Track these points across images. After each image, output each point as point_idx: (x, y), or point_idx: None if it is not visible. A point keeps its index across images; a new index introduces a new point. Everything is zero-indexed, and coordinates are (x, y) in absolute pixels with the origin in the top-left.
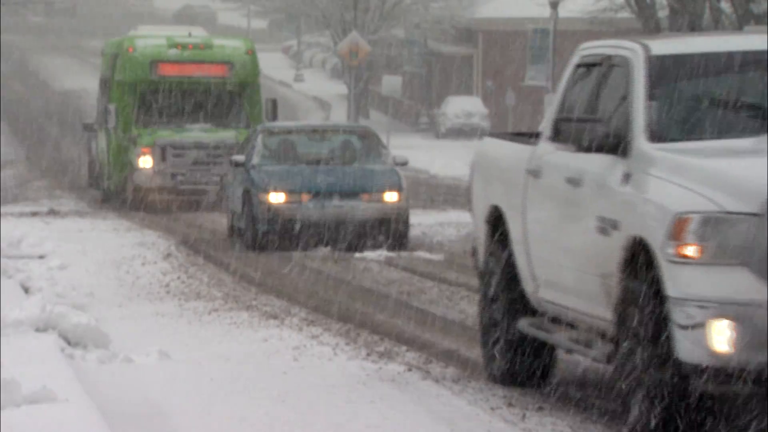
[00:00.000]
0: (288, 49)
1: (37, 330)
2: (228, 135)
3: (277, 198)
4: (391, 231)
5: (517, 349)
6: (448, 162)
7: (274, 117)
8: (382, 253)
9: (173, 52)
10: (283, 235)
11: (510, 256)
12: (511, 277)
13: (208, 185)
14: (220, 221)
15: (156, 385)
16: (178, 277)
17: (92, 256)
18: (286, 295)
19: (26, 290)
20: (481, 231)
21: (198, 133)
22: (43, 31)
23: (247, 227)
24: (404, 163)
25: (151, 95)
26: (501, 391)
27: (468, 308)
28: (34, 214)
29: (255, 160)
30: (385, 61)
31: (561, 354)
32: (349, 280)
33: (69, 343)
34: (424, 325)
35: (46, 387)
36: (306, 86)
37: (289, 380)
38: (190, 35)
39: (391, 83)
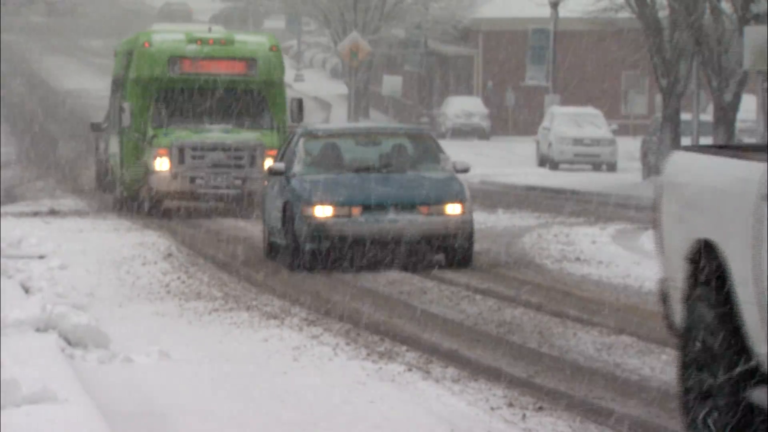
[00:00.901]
0: (288, 49)
1: (37, 330)
2: (250, 136)
3: (323, 211)
4: (454, 248)
5: (746, 428)
6: None
7: (300, 118)
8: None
9: (192, 48)
10: (331, 253)
11: (731, 305)
12: (733, 332)
13: (229, 190)
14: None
15: (156, 385)
16: (179, 277)
17: (92, 256)
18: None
19: (26, 290)
20: (679, 271)
21: (218, 133)
22: (43, 31)
23: (289, 245)
24: (466, 170)
25: (169, 93)
26: (501, 391)
27: (468, 308)
28: (34, 214)
29: (297, 168)
30: (385, 61)
31: None
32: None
33: (69, 343)
34: (425, 325)
35: (46, 387)
36: (306, 86)
37: (289, 380)
38: (210, 30)
39: (391, 83)
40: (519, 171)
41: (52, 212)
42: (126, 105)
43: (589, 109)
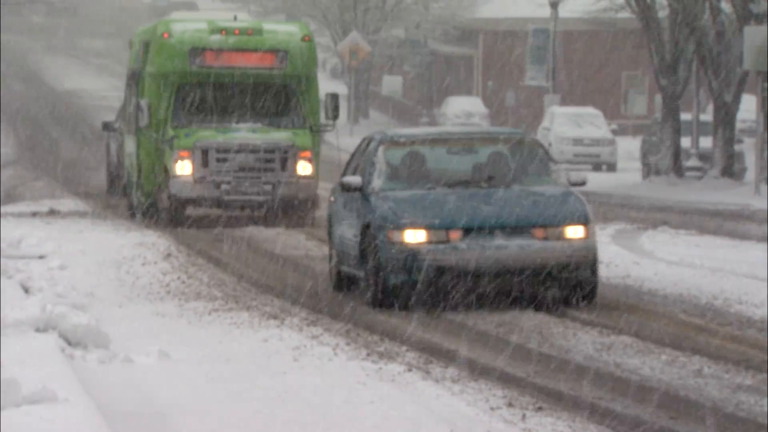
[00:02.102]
0: None
1: (37, 330)
2: (282, 136)
3: (415, 236)
4: (575, 281)
5: None
6: None
7: (336, 115)
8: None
9: (216, 39)
10: (425, 287)
11: None
12: None
13: (258, 196)
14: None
15: (156, 385)
16: (178, 277)
17: (92, 256)
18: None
19: (26, 290)
20: None
21: (246, 133)
22: (43, 31)
23: (370, 277)
24: (582, 183)
25: (190, 89)
26: (501, 391)
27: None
28: (34, 214)
29: (377, 182)
30: (385, 61)
31: None
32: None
33: (69, 343)
34: (426, 325)
35: (46, 387)
36: None
37: (289, 380)
38: (235, 19)
39: (391, 83)
40: None
41: (52, 212)
42: (143, 102)
43: (589, 109)
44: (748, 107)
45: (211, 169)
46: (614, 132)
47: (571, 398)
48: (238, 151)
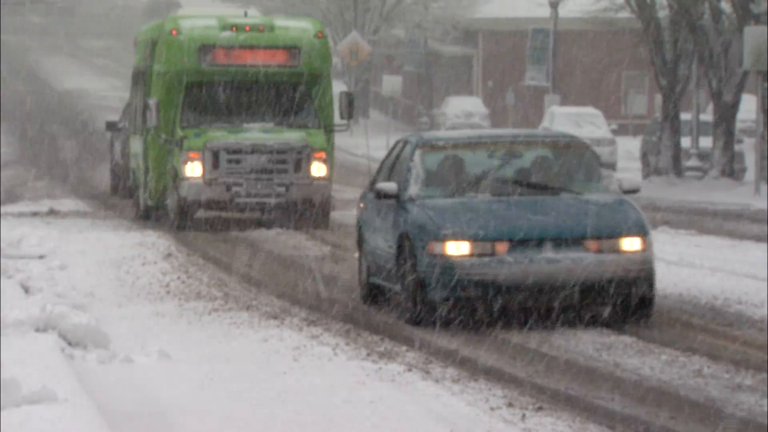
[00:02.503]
0: None
1: (37, 330)
2: (295, 136)
3: (457, 248)
4: (631, 297)
5: None
6: None
7: (350, 114)
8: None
9: (227, 35)
10: (468, 304)
11: None
12: None
13: (270, 198)
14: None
15: (156, 385)
16: (178, 277)
17: (92, 256)
18: None
19: (26, 290)
20: None
21: (258, 133)
22: (43, 31)
23: (409, 292)
24: (635, 190)
25: (200, 88)
26: (501, 391)
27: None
28: (34, 214)
29: (414, 189)
30: (385, 61)
31: None
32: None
33: (69, 343)
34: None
35: (46, 387)
36: None
37: (289, 380)
38: (246, 15)
39: (391, 83)
40: None
41: (52, 212)
42: (152, 102)
43: (589, 109)
44: (748, 107)
45: (221, 170)
46: (614, 132)
47: (571, 398)
48: (249, 152)
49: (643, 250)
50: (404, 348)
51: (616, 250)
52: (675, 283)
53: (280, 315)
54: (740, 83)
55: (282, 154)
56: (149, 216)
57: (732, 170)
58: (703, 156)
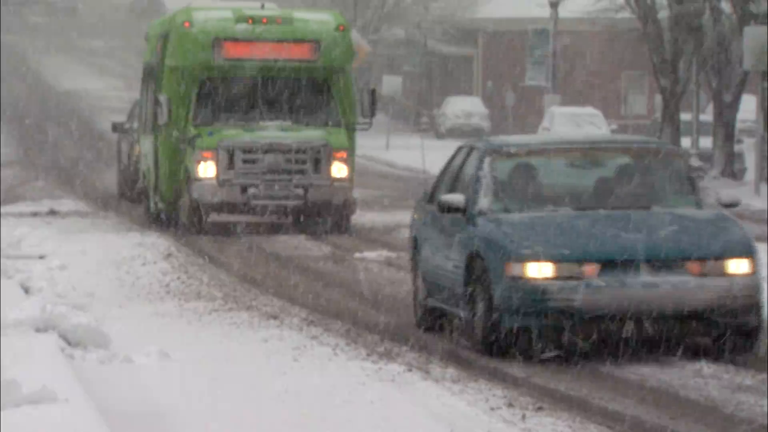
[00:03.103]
0: None
1: (37, 330)
2: (314, 135)
3: (540, 270)
4: (738, 326)
5: None
6: None
7: (373, 112)
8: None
9: (243, 28)
10: (552, 333)
11: None
12: None
13: (288, 200)
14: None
15: (156, 385)
16: (178, 278)
17: (92, 256)
18: None
19: (26, 290)
20: None
21: (275, 132)
22: (43, 31)
23: (478, 317)
24: (734, 204)
25: (214, 83)
26: (501, 391)
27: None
28: (34, 214)
29: (485, 202)
30: (385, 61)
31: None
32: None
33: (69, 343)
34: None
35: (46, 387)
36: None
37: (289, 380)
38: (263, 7)
39: (391, 83)
40: None
41: (52, 212)
42: (163, 98)
43: (589, 109)
44: (748, 107)
45: (236, 171)
46: (614, 132)
47: (570, 398)
48: (266, 152)
49: (752, 274)
50: (404, 348)
51: (722, 273)
52: None
53: (280, 315)
54: (740, 83)
55: (300, 153)
56: (160, 219)
57: (732, 170)
58: (703, 156)
